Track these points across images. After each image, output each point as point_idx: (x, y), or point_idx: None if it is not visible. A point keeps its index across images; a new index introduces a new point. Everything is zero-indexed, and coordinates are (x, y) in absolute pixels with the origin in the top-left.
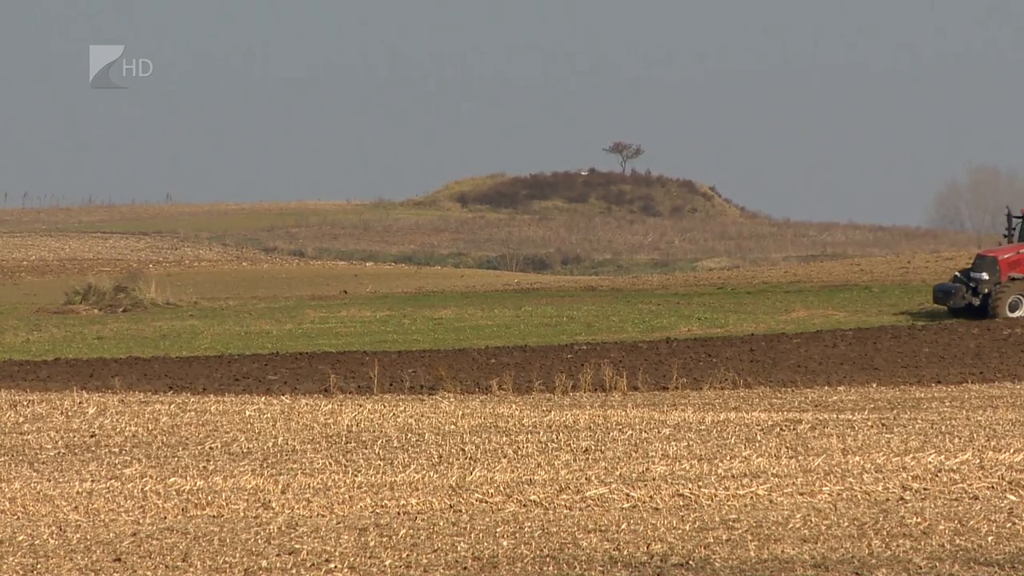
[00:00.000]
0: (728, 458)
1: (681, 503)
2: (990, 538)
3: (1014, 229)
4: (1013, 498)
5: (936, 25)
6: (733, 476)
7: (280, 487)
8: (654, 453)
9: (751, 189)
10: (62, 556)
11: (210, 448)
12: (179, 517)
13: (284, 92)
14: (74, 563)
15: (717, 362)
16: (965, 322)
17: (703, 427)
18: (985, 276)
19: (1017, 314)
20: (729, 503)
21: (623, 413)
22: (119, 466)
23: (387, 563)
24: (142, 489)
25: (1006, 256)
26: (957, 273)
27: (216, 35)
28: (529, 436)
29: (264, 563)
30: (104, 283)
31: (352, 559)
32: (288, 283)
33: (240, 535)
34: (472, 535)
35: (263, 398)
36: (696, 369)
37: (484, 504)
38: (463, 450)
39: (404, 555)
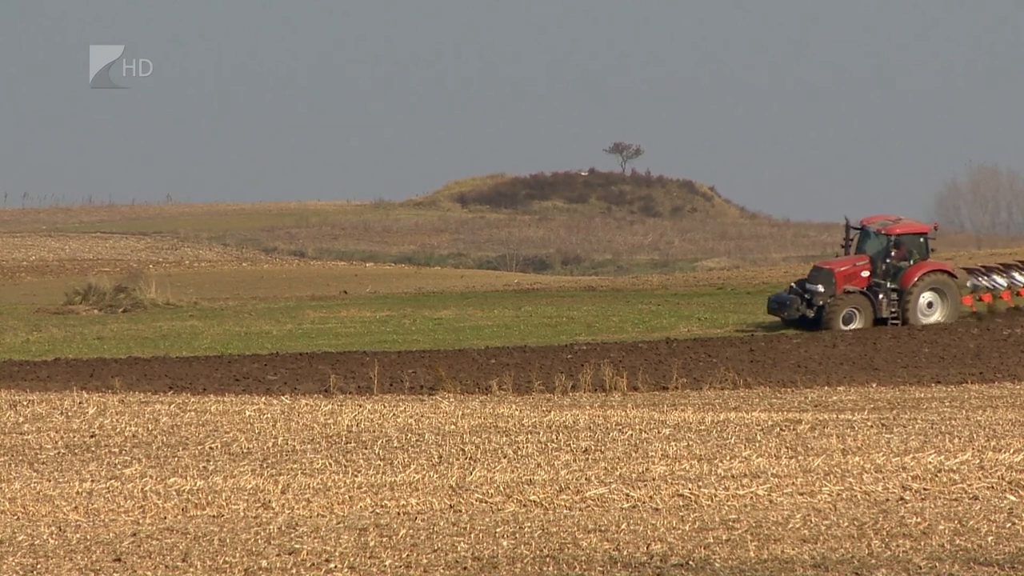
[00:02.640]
0: (728, 458)
1: (681, 503)
2: (990, 538)
3: (851, 240)
4: (1013, 498)
5: (936, 25)
6: (733, 476)
7: (280, 487)
8: (654, 453)
9: (751, 189)
10: (62, 556)
11: (210, 448)
12: (179, 517)
13: (284, 92)
14: (74, 563)
15: (717, 362)
16: (965, 322)
17: (703, 427)
18: (821, 288)
19: (851, 327)
20: (729, 503)
21: (623, 413)
22: (119, 466)
23: (387, 563)
24: (142, 489)
25: (842, 268)
26: (793, 284)
27: (216, 35)
28: (529, 436)
29: (264, 563)
30: (104, 283)
31: (352, 559)
32: (288, 283)
33: (240, 535)
34: (472, 535)
35: (263, 398)
36: (696, 369)
37: (484, 504)
38: (463, 450)
39: (404, 555)
